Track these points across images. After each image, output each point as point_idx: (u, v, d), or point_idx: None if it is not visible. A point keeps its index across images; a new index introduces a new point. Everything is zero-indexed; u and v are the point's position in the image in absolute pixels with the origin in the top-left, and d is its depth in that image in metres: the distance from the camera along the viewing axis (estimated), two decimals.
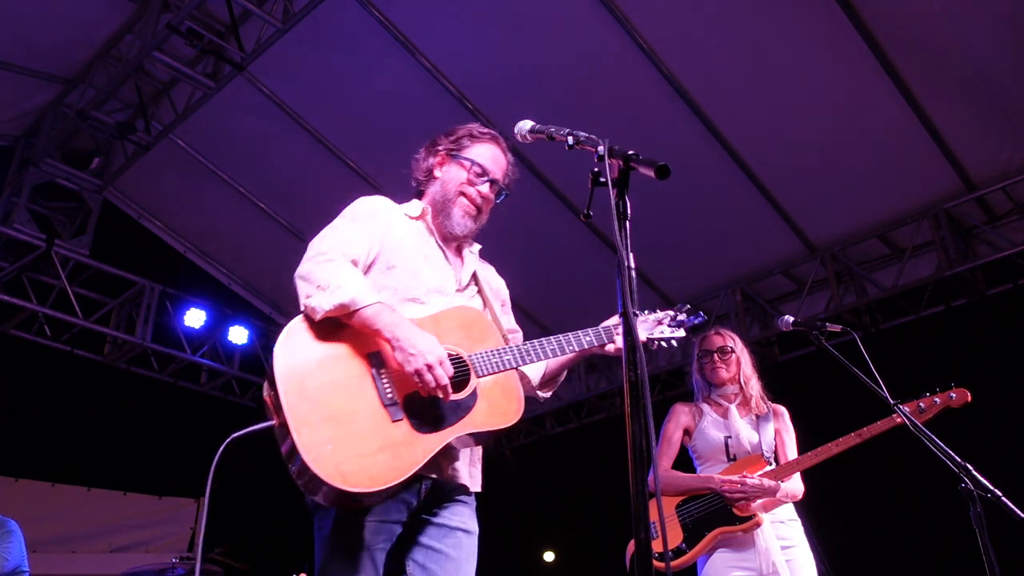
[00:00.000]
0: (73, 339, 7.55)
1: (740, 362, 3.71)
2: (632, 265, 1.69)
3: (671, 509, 3.47)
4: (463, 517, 2.31)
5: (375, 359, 2.13)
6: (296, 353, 2.07)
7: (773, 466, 3.48)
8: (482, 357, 2.23)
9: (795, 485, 3.48)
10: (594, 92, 5.92)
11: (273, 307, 8.77)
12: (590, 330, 2.42)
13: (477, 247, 2.65)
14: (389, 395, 2.09)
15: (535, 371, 2.54)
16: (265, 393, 2.08)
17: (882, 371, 2.82)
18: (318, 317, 2.10)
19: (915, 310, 6.71)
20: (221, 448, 2.31)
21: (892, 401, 2.87)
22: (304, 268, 2.18)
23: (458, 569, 2.24)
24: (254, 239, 7.89)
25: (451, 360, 2.16)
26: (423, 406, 2.11)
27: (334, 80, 6.35)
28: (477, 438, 2.20)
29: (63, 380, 7.70)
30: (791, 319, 3.16)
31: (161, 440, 7.90)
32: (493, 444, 9.30)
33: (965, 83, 5.49)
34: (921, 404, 3.21)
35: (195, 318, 7.94)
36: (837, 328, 3.04)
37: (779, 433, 3.63)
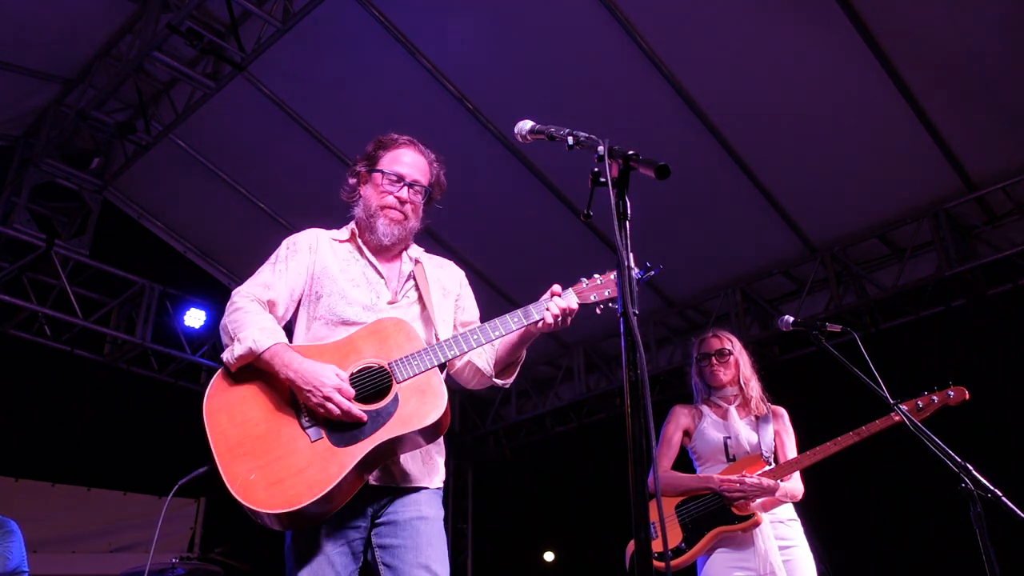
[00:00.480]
0: (73, 339, 7.54)
1: (739, 364, 3.72)
2: (632, 265, 1.69)
3: (670, 509, 3.47)
4: (418, 506, 2.36)
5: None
6: (219, 401, 2.27)
7: (772, 466, 3.48)
8: (402, 363, 2.30)
9: (795, 485, 3.48)
10: (594, 92, 5.92)
11: None
12: (519, 311, 2.42)
13: (418, 250, 2.67)
14: (306, 420, 2.23)
15: (484, 361, 2.56)
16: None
17: (882, 371, 2.83)
18: (233, 369, 2.29)
19: (915, 310, 6.70)
20: (170, 495, 2.48)
21: (892, 401, 2.88)
22: (223, 320, 2.38)
23: (418, 554, 2.28)
24: (254, 239, 7.87)
25: (371, 372, 2.29)
26: (343, 423, 2.21)
27: (334, 80, 6.35)
28: (407, 440, 2.26)
29: (63, 380, 7.69)
30: (791, 319, 3.16)
31: (161, 440, 7.88)
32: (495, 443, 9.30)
33: (965, 83, 5.49)
34: (919, 403, 3.22)
35: (195, 318, 7.93)
36: (837, 328, 3.04)
37: (779, 434, 3.63)
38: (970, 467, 2.53)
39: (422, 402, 2.25)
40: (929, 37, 5.28)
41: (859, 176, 6.23)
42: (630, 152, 1.77)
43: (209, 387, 2.29)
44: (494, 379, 2.58)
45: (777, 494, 3.39)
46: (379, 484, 2.32)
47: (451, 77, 6.12)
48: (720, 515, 3.40)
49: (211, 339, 8.17)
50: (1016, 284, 6.23)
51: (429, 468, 2.43)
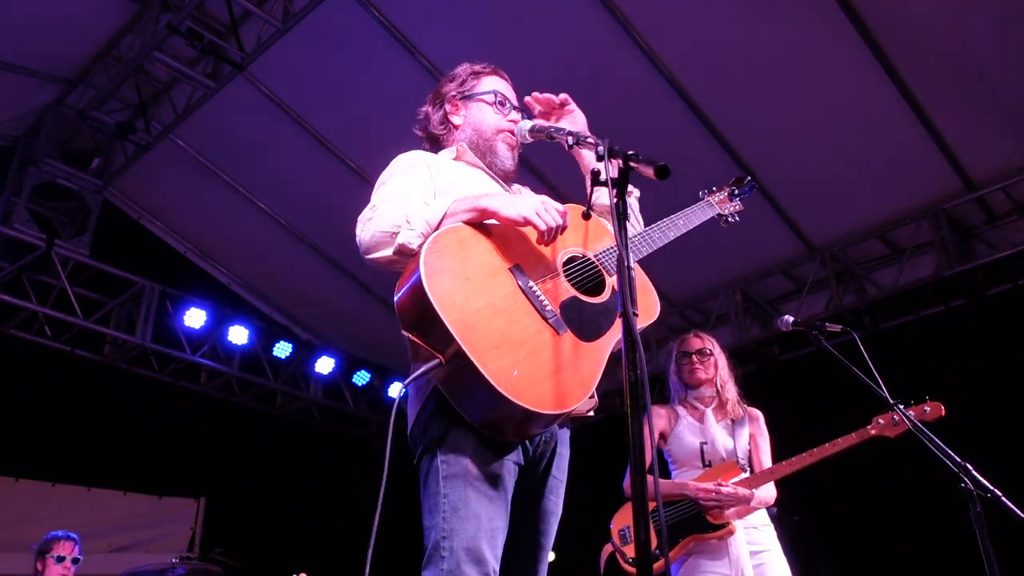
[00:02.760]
0: (73, 339, 7.53)
1: (718, 365, 3.73)
2: (632, 265, 1.69)
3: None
4: (566, 461, 2.19)
5: (518, 273, 2.00)
6: (442, 283, 1.88)
7: (747, 473, 3.49)
8: (608, 256, 2.13)
9: (768, 492, 3.49)
10: (593, 92, 5.88)
11: (273, 307, 8.77)
12: (693, 206, 2.60)
13: (524, 189, 2.56)
14: (548, 308, 1.97)
15: None
16: (409, 335, 1.92)
17: (882, 371, 2.82)
18: (427, 233, 1.96)
19: (915, 310, 6.70)
20: (406, 383, 1.78)
21: (892, 401, 2.88)
22: (365, 231, 2.02)
23: (553, 526, 2.15)
24: (254, 239, 7.89)
25: (580, 263, 2.11)
26: (577, 314, 2.00)
27: (334, 80, 6.35)
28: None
29: (63, 380, 7.68)
30: (791, 319, 3.16)
31: (161, 440, 7.89)
32: None
33: (965, 83, 5.49)
34: (895, 417, 3.20)
35: (195, 318, 7.92)
36: (837, 328, 3.04)
37: (753, 438, 3.64)
38: (970, 467, 2.53)
39: (641, 299, 1.94)
40: (929, 37, 5.27)
41: (859, 176, 6.22)
42: (630, 152, 1.77)
43: (427, 270, 1.87)
44: None
45: (751, 503, 3.39)
46: None
47: None
48: (694, 523, 3.40)
49: (211, 339, 8.17)
50: (1016, 284, 6.23)
51: None
